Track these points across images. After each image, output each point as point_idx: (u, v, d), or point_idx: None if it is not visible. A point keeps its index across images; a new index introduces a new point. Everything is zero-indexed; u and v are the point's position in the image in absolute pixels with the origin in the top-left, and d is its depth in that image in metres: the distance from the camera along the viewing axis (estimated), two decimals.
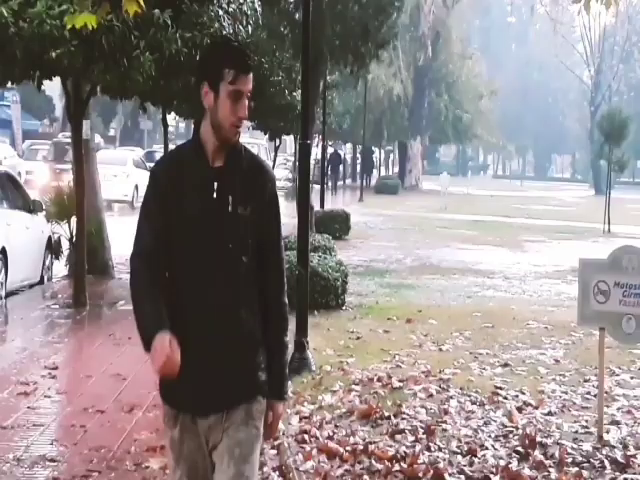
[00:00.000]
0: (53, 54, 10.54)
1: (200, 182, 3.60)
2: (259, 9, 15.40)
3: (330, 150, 46.97)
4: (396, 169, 73.12)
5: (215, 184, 3.59)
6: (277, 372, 3.72)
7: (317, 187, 25.70)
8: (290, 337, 3.82)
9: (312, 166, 11.84)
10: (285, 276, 3.77)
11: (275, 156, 27.35)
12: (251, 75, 3.64)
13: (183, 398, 3.62)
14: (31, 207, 14.15)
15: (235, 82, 3.57)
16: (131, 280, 3.62)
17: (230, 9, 13.08)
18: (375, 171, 64.14)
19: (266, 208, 3.66)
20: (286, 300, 3.76)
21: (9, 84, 12.93)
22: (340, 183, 53.04)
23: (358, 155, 59.39)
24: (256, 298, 3.66)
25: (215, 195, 3.59)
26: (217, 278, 3.57)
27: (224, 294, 3.58)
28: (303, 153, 10.14)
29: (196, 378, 3.57)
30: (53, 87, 21.69)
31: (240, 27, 13.74)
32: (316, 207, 21.87)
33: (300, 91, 12.07)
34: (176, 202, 3.58)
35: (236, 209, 3.59)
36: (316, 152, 32.78)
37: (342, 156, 56.45)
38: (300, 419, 7.46)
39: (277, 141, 26.39)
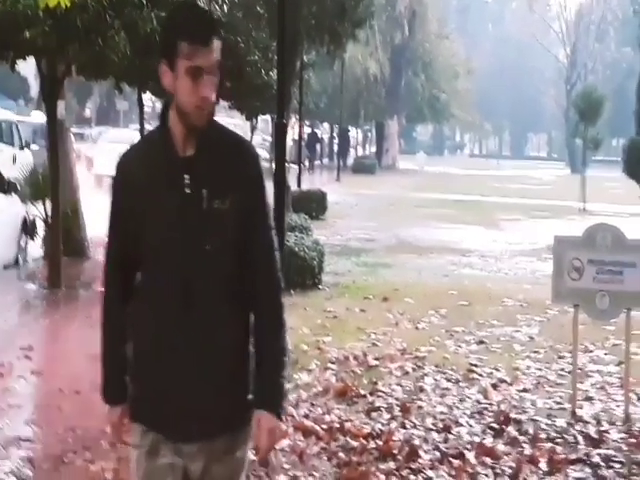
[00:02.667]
0: (27, 34, 10.47)
1: (169, 176, 3.09)
2: None
3: (307, 130, 46.91)
4: (373, 149, 73.11)
5: (186, 177, 3.07)
6: (270, 381, 3.16)
7: (294, 167, 25.72)
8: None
9: (289, 146, 11.87)
10: (280, 273, 3.22)
11: (252, 136, 27.31)
12: (214, 46, 3.03)
13: (155, 419, 3.18)
14: (5, 187, 14.06)
15: (192, 57, 2.99)
16: (102, 301, 3.28)
17: None
18: (352, 151, 64.12)
19: (250, 196, 3.13)
20: (282, 300, 3.22)
21: None
22: (317, 163, 52.98)
23: (335, 135, 59.32)
24: (244, 304, 3.16)
25: (187, 190, 3.07)
26: (194, 285, 3.08)
27: (203, 305, 3.09)
28: (279, 133, 10.16)
29: (170, 400, 3.14)
30: (28, 67, 21.52)
31: (216, 6, 13.72)
32: (293, 187, 21.86)
33: (276, 71, 12.05)
34: (143, 202, 3.11)
35: (212, 204, 3.06)
36: (293, 132, 32.74)
37: (319, 136, 56.38)
38: None
39: (254, 121, 26.36)
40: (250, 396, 3.17)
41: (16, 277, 13.59)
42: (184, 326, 3.08)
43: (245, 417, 3.19)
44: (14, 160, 20.80)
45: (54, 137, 12.67)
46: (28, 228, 14.72)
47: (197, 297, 3.08)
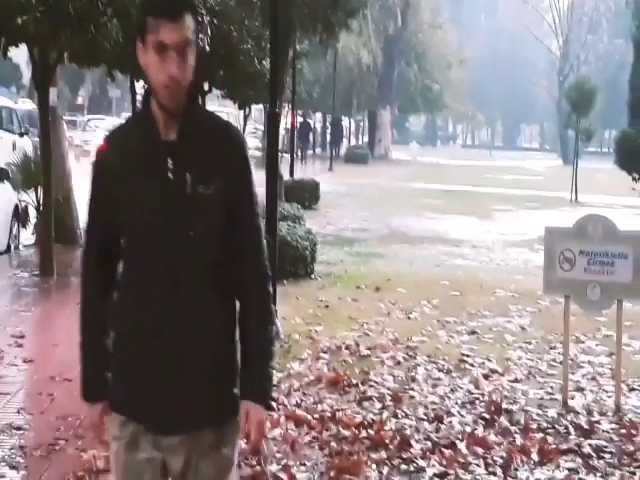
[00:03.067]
0: (19, 20, 10.43)
1: (151, 160, 2.99)
2: None
3: (300, 119, 46.86)
4: (366, 139, 73.12)
5: (169, 161, 2.97)
6: (258, 371, 3.07)
7: (287, 156, 25.71)
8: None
9: (281, 135, 11.86)
10: (266, 261, 3.14)
11: (245, 125, 27.27)
12: (183, 23, 2.90)
13: (135, 408, 3.08)
14: None
15: (157, 32, 2.88)
16: (81, 292, 3.19)
17: None
18: (345, 140, 64.09)
19: (236, 181, 3.04)
20: (269, 288, 3.15)
21: None
22: (310, 152, 52.97)
23: (328, 124, 59.31)
24: (229, 292, 3.09)
25: (170, 175, 2.97)
26: (178, 271, 3.00)
27: (187, 290, 3.01)
28: (271, 122, 10.13)
29: (152, 387, 3.04)
30: (20, 54, 21.52)
31: None
32: (285, 176, 21.87)
33: (269, 60, 12.01)
34: (125, 187, 3.01)
35: (196, 189, 2.97)
36: (285, 121, 32.72)
37: (312, 125, 56.35)
38: None
39: (247, 110, 26.32)
40: (236, 389, 3.08)
41: (8, 264, 13.57)
42: (167, 311, 3.00)
43: (231, 409, 3.08)
44: (14, 147, 20.73)
45: (46, 125, 12.63)
46: (20, 215, 14.70)
47: (181, 282, 3.00)
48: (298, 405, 7.04)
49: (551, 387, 7.91)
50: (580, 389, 7.89)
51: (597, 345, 9.64)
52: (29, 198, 13.97)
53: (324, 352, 8.82)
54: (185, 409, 3.04)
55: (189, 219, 2.99)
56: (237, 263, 3.08)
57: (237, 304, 3.14)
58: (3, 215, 14.07)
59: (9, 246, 14.41)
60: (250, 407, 3.07)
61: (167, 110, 2.96)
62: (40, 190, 13.24)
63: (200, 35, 3.01)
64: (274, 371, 3.15)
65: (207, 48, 13.84)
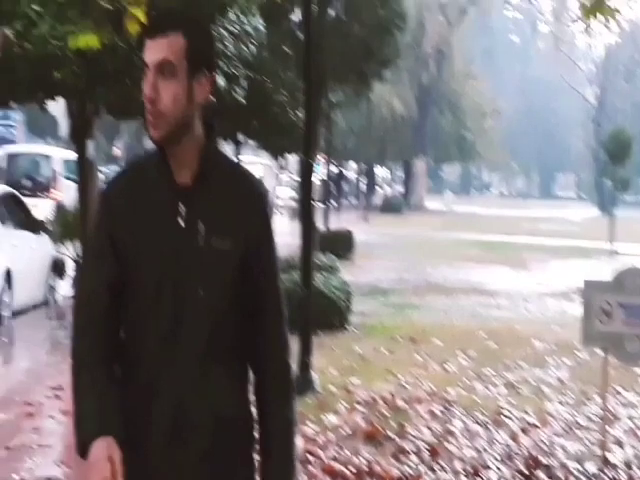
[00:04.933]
0: (57, 75, 10.58)
1: (162, 205, 2.67)
2: (262, 29, 15.47)
3: (334, 169, 47.04)
4: (400, 188, 73.20)
5: (181, 206, 2.66)
6: (282, 459, 2.72)
7: (321, 206, 25.76)
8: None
9: (316, 185, 11.90)
10: (287, 332, 2.79)
11: (279, 175, 27.39)
12: (163, 41, 2.62)
13: None
14: (36, 227, 14.16)
15: (145, 51, 2.66)
16: (72, 344, 2.71)
17: (233, 29, 13.14)
18: (379, 190, 64.19)
19: (256, 240, 2.71)
20: (290, 360, 2.79)
21: (13, 104, 12.97)
22: (344, 202, 53.08)
23: (362, 174, 59.45)
24: (242, 365, 2.74)
25: (182, 222, 2.65)
26: (183, 337, 2.63)
27: (191, 360, 2.64)
28: (305, 172, 10.18)
29: (149, 460, 2.65)
30: (58, 107, 21.78)
31: (243, 47, 13.81)
32: (320, 226, 21.89)
33: (303, 110, 12.09)
34: (132, 234, 2.67)
35: (210, 241, 2.65)
36: (320, 171, 32.83)
37: (346, 175, 56.52)
38: (304, 440, 7.44)
39: (281, 160, 26.45)
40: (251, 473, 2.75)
41: (46, 316, 13.63)
42: (169, 381, 2.63)
43: None
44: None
45: (84, 176, 12.77)
46: (57, 267, 14.80)
47: (186, 349, 2.63)
48: (334, 458, 6.98)
49: (590, 441, 7.80)
50: (619, 443, 7.78)
51: (636, 398, 9.51)
52: (66, 250, 14.05)
53: (360, 404, 8.76)
54: None
55: (199, 275, 2.64)
56: (253, 332, 2.73)
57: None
58: (41, 267, 14.17)
59: (47, 298, 14.50)
60: None
61: (151, 140, 2.66)
62: (77, 242, 13.33)
63: (203, 69, 2.69)
64: (297, 457, 2.81)
65: (243, 101, 13.97)
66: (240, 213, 2.70)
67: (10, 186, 24.30)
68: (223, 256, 2.65)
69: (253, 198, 2.74)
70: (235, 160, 2.91)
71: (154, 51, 2.62)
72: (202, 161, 2.69)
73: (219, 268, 2.66)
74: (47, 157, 26.05)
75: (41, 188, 24.71)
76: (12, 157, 26.33)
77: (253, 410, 2.77)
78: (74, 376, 2.67)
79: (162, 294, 2.64)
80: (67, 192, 21.79)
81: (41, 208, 15.49)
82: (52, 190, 24.52)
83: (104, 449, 2.51)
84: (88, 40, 6.33)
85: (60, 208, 14.63)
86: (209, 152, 2.71)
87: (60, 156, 25.43)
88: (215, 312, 2.66)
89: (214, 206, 2.68)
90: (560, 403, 9.24)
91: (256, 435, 2.76)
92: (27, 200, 15.14)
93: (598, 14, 7.20)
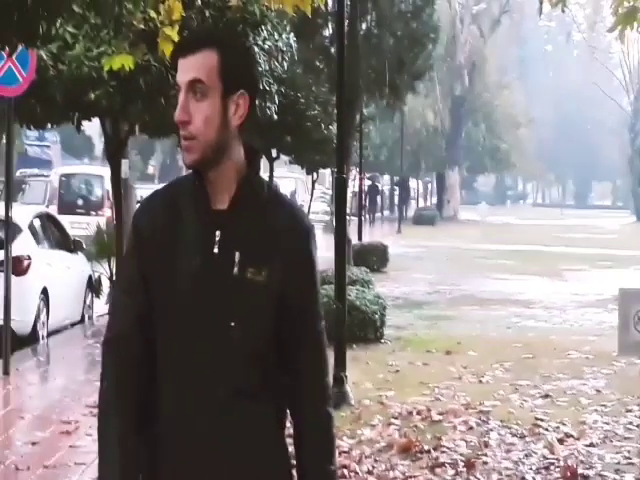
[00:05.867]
0: (92, 95, 10.74)
1: (196, 232, 2.52)
2: (294, 45, 15.58)
3: (367, 182, 47.05)
4: (434, 200, 73.07)
5: (217, 233, 2.51)
6: None
7: (355, 219, 25.78)
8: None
9: (349, 199, 11.95)
10: (328, 374, 2.64)
11: (313, 189, 27.47)
12: (196, 59, 2.50)
13: None
14: (72, 246, 14.30)
15: (177, 71, 2.55)
16: (100, 386, 2.63)
17: (266, 46, 13.25)
18: (413, 202, 64.10)
19: (296, 277, 2.54)
20: (331, 410, 2.61)
21: (49, 125, 13.14)
22: (378, 215, 53.06)
23: (396, 187, 59.41)
24: (276, 407, 2.58)
25: (216, 249, 2.51)
26: (212, 373, 2.50)
27: (222, 397, 2.50)
28: (339, 186, 10.22)
29: None
30: (92, 127, 22.10)
31: (276, 63, 13.92)
32: (354, 240, 21.92)
33: (336, 125, 12.15)
34: (162, 263, 2.54)
35: (244, 271, 2.50)
36: (353, 184, 32.89)
37: (379, 188, 56.50)
38: (339, 454, 7.46)
39: (314, 175, 26.53)
40: None
41: (82, 334, 13.76)
42: (200, 424, 2.51)
43: None
44: None
45: (119, 196, 12.89)
46: (94, 286, 14.94)
47: (215, 388, 2.49)
48: (370, 472, 6.99)
49: (628, 451, 7.75)
50: None
51: None
52: (102, 269, 14.18)
53: (395, 418, 8.75)
54: None
55: (232, 306, 2.50)
56: (291, 373, 2.58)
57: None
58: (77, 286, 14.30)
59: (83, 316, 14.63)
60: None
61: (185, 166, 2.55)
62: (113, 260, 13.45)
63: (240, 89, 2.55)
64: None
65: (275, 116, 14.06)
66: (280, 246, 2.53)
67: (64, 205, 25.38)
68: (257, 288, 2.50)
69: (296, 231, 2.58)
70: (278, 188, 2.78)
71: (185, 70, 2.50)
72: (241, 187, 2.54)
73: (252, 300, 2.51)
74: (99, 177, 26.79)
75: (94, 207, 25.56)
76: (65, 177, 27.17)
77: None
78: (100, 422, 2.61)
79: (192, 324, 2.51)
80: None
81: (93, 226, 15.80)
82: (104, 208, 25.12)
83: None
84: (123, 60, 6.44)
85: (100, 227, 14.77)
86: (249, 178, 2.56)
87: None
88: (248, 346, 2.51)
89: (252, 235, 2.52)
90: (598, 413, 9.18)
91: None
92: (81, 219, 15.39)
93: (633, 22, 7.20)
